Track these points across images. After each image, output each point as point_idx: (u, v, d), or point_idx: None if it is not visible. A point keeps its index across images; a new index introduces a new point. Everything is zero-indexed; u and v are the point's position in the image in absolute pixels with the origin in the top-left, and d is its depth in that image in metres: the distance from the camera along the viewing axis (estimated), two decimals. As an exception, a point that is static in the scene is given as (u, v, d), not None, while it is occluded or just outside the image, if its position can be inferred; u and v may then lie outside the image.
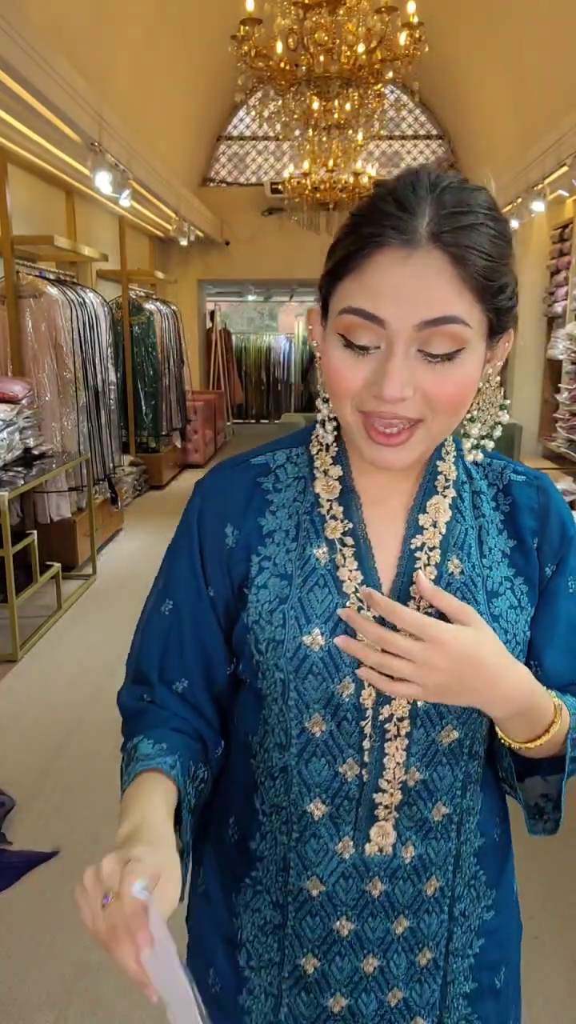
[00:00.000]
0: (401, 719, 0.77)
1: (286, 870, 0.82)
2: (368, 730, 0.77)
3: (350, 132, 5.86)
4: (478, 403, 0.77)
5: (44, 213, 5.78)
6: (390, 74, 4.82)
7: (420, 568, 0.78)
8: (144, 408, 7.74)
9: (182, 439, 8.91)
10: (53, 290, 4.93)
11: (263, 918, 0.84)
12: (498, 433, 0.80)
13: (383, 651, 0.71)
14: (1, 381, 4.39)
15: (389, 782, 0.78)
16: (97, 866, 0.59)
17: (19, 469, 4.16)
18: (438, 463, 0.81)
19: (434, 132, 9.95)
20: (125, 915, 0.55)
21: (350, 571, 0.77)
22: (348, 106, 5.24)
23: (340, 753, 0.78)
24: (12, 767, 2.86)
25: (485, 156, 8.59)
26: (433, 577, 0.77)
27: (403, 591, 0.78)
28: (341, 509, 0.80)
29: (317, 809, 0.80)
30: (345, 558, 0.78)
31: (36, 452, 4.42)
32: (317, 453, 0.82)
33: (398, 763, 0.78)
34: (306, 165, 6.79)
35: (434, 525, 0.79)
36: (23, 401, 4.37)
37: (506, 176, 7.02)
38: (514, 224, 7.11)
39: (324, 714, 0.77)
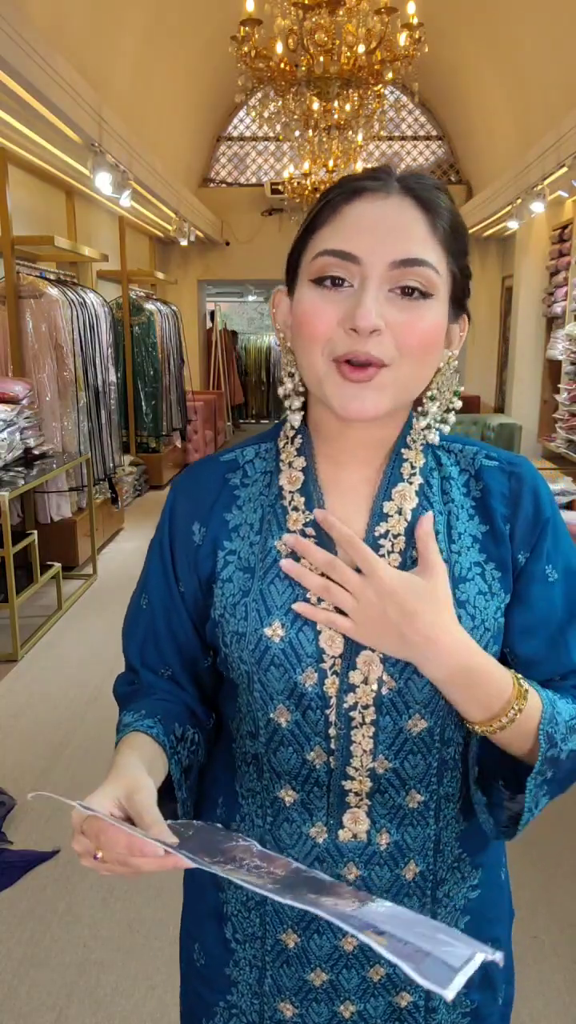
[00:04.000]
0: (366, 707, 0.76)
1: None
2: (333, 718, 0.77)
3: (350, 133, 5.86)
4: (437, 384, 0.79)
5: (44, 213, 5.79)
6: (390, 75, 4.82)
7: (384, 556, 0.77)
8: (144, 408, 7.75)
9: (182, 439, 8.91)
10: (53, 290, 4.93)
11: (245, 894, 0.86)
12: (452, 419, 0.82)
13: (325, 577, 0.75)
14: (1, 381, 4.39)
15: (356, 769, 0.78)
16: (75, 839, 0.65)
17: (19, 469, 4.17)
18: (403, 451, 0.81)
19: (434, 133, 9.95)
20: (119, 856, 0.61)
21: (311, 563, 0.78)
22: (348, 107, 5.24)
23: (307, 741, 0.79)
24: (12, 767, 2.86)
25: (485, 156, 8.60)
26: (397, 564, 0.77)
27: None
28: (303, 500, 0.80)
29: (288, 795, 0.81)
30: None
31: (36, 452, 4.42)
32: (284, 446, 0.83)
33: (365, 751, 0.78)
34: (306, 166, 6.80)
35: (399, 512, 0.79)
36: (23, 401, 4.38)
37: (506, 177, 7.02)
38: (514, 225, 7.13)
39: (288, 704, 0.78)
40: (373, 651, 0.76)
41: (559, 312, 7.08)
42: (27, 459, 4.34)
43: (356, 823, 0.80)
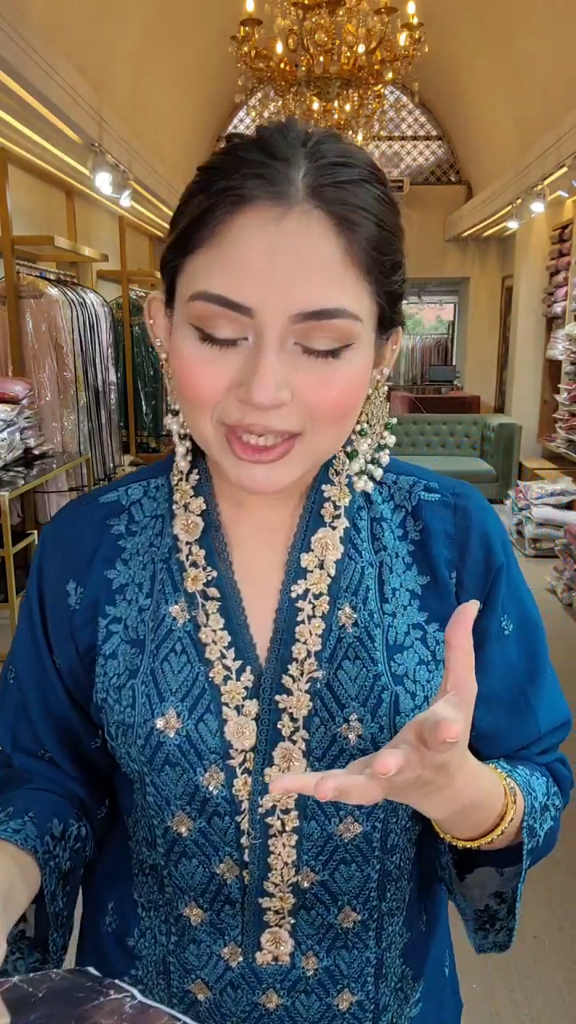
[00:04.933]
0: (286, 811, 0.63)
1: (167, 973, 0.70)
2: (245, 826, 0.63)
3: (350, 133, 5.86)
4: (367, 414, 0.64)
5: (44, 213, 5.79)
6: (390, 75, 4.82)
7: (303, 621, 0.63)
8: (144, 408, 7.75)
9: (182, 439, 8.92)
10: (53, 290, 4.93)
11: None
12: (385, 460, 0.67)
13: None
14: (1, 381, 4.40)
15: (277, 885, 0.64)
16: None
17: (19, 469, 4.17)
18: (324, 487, 0.66)
19: (434, 132, 9.95)
20: None
21: (215, 631, 0.63)
22: (348, 107, 5.24)
23: (215, 852, 0.65)
24: (12, 767, 2.86)
25: (485, 156, 8.60)
26: (320, 632, 0.63)
27: (283, 654, 0.63)
28: (203, 553, 0.65)
29: (194, 914, 0.67)
30: (208, 615, 0.63)
31: (37, 452, 4.42)
32: (177, 484, 0.67)
33: (286, 863, 0.64)
34: (306, 165, 6.80)
35: (321, 566, 0.64)
36: (24, 401, 4.38)
37: (506, 177, 7.03)
38: (514, 225, 7.12)
39: (189, 811, 0.64)
40: (294, 742, 0.62)
41: (559, 312, 7.07)
42: (27, 459, 4.34)
43: (277, 944, 0.66)
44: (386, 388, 0.66)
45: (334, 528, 0.65)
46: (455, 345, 11.52)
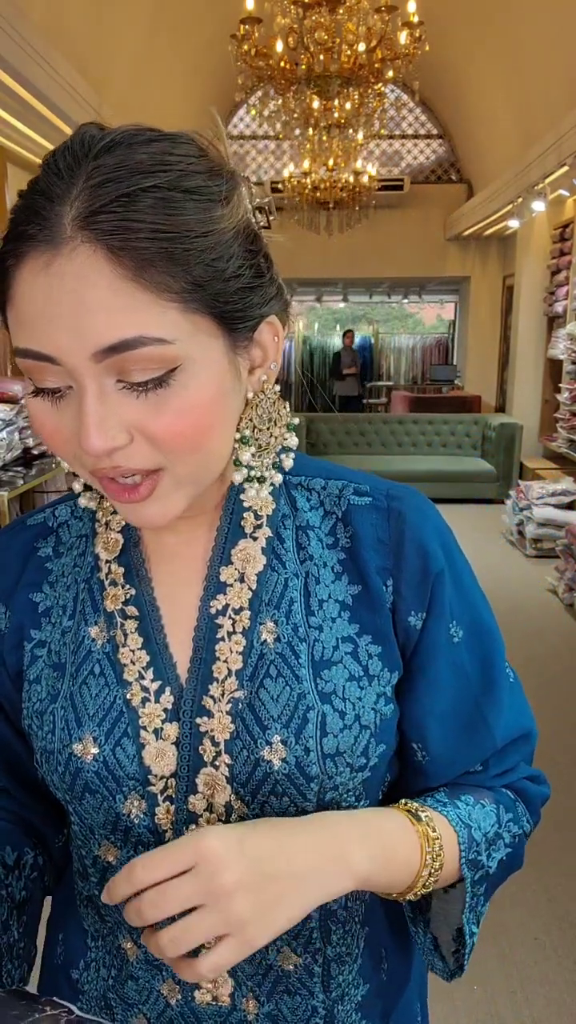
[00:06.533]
0: None
1: (109, 1008, 0.68)
2: None
3: (350, 131, 5.85)
4: (251, 418, 0.59)
5: (44, 213, 5.79)
6: (390, 73, 4.81)
7: (223, 638, 0.60)
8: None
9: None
10: (53, 290, 4.93)
11: None
12: (288, 464, 0.63)
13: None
14: (1, 381, 4.39)
15: None
16: None
17: (19, 469, 4.17)
18: (244, 496, 0.62)
19: (434, 132, 9.94)
20: None
21: (133, 651, 0.61)
22: (348, 105, 5.23)
23: None
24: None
25: (486, 155, 8.59)
26: (241, 649, 0.60)
27: (203, 673, 0.60)
28: (122, 571, 0.63)
29: (129, 948, 0.65)
30: (127, 635, 0.62)
31: (36, 452, 4.42)
32: (100, 503, 0.66)
33: None
34: (306, 164, 6.80)
35: (241, 579, 0.61)
36: (23, 401, 4.37)
37: (507, 175, 7.03)
38: (515, 224, 7.12)
39: (114, 839, 0.62)
40: (216, 767, 0.59)
41: (560, 311, 7.07)
42: (26, 459, 4.34)
43: (216, 984, 0.63)
44: (277, 388, 0.61)
45: (255, 539, 0.62)
46: (456, 344, 11.52)
